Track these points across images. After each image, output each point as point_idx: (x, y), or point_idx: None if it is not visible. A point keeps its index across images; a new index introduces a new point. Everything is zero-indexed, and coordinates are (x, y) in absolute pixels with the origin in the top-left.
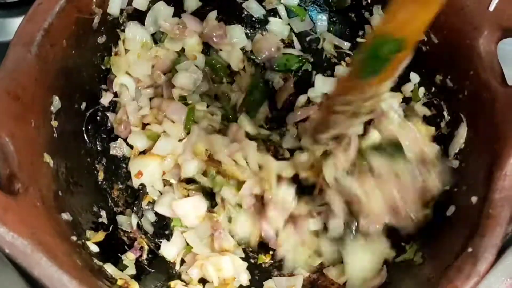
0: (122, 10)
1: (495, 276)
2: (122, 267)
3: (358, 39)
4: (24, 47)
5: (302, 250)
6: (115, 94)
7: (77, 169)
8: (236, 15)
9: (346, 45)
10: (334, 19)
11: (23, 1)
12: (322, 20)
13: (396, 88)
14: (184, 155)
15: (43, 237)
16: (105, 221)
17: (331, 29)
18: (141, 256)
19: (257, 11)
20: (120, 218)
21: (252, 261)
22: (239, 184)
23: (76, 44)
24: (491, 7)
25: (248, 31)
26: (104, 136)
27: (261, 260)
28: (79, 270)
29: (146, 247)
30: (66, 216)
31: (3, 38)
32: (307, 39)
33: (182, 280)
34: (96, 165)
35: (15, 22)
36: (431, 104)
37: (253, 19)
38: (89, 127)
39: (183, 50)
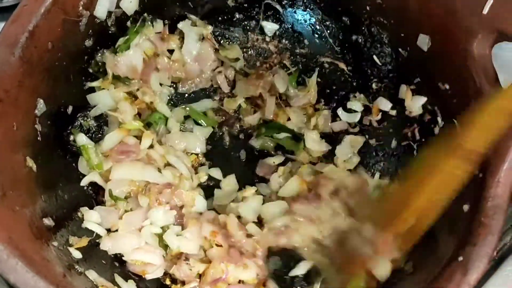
0: (110, 13)
1: (493, 286)
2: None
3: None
4: (7, 48)
5: None
6: None
7: (62, 173)
8: (228, 18)
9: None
10: (327, 23)
11: (17, 5)
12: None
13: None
14: None
15: (21, 243)
16: (89, 226)
17: (324, 33)
18: None
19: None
20: None
21: None
22: None
23: (63, 46)
24: (485, 10)
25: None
26: (90, 138)
27: None
28: (58, 277)
29: None
30: (48, 221)
31: None
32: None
33: None
34: None
35: None
36: (425, 109)
37: (245, 22)
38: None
39: None
